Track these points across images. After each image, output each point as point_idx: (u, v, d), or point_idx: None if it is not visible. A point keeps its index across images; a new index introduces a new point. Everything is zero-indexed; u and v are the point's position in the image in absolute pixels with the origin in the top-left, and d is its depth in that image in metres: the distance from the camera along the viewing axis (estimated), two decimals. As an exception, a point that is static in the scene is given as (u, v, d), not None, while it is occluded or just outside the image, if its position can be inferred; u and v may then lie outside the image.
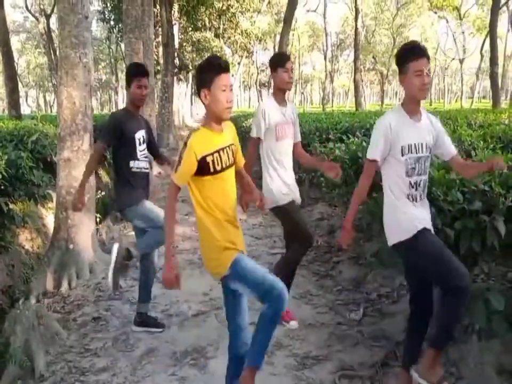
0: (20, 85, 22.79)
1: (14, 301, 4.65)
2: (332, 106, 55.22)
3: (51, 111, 53.04)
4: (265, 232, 6.85)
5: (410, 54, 2.58)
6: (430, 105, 58.48)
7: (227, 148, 2.45)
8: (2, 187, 4.84)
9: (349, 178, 4.83)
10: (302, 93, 78.05)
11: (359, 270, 4.85)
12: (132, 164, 3.73)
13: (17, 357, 3.21)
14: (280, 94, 3.84)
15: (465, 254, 2.87)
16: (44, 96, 70.80)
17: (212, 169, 2.39)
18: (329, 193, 6.25)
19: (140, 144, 3.75)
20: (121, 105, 52.91)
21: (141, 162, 3.77)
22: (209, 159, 2.37)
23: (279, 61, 3.79)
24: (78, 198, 3.79)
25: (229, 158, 2.45)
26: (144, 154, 3.80)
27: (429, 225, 2.66)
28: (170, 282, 2.37)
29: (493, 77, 19.67)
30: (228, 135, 2.51)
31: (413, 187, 2.64)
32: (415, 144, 2.61)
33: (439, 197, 2.94)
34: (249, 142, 3.87)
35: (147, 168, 3.86)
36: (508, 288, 2.98)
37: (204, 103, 2.40)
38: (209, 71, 2.34)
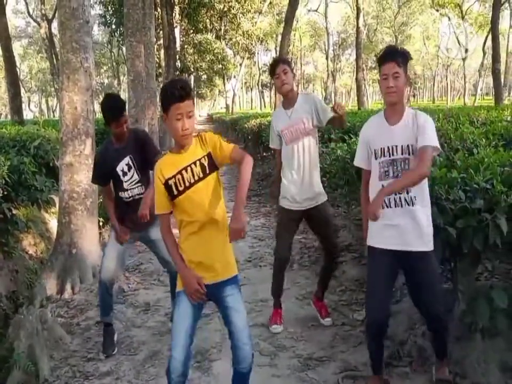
0: (22, 90, 22.90)
1: (17, 306, 4.65)
2: (335, 106, 54.88)
3: (53, 116, 53.30)
4: (268, 233, 6.84)
5: (380, 59, 2.72)
6: (433, 103, 58.32)
7: (192, 164, 2.39)
8: (5, 192, 4.86)
9: (351, 178, 4.81)
10: (304, 93, 77.95)
11: (362, 270, 4.83)
12: None
13: (22, 362, 3.21)
14: (284, 98, 3.92)
15: (467, 252, 2.86)
16: (46, 101, 71.16)
17: (175, 192, 2.38)
18: (331, 193, 6.24)
19: None
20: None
21: None
22: (171, 182, 2.38)
23: (270, 70, 3.87)
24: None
25: (193, 174, 2.39)
26: None
27: (389, 244, 2.69)
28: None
29: (495, 73, 19.60)
30: (194, 150, 2.43)
31: None
32: (388, 147, 2.67)
33: (441, 196, 2.92)
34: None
35: None
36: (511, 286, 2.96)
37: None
38: (165, 99, 2.31)
